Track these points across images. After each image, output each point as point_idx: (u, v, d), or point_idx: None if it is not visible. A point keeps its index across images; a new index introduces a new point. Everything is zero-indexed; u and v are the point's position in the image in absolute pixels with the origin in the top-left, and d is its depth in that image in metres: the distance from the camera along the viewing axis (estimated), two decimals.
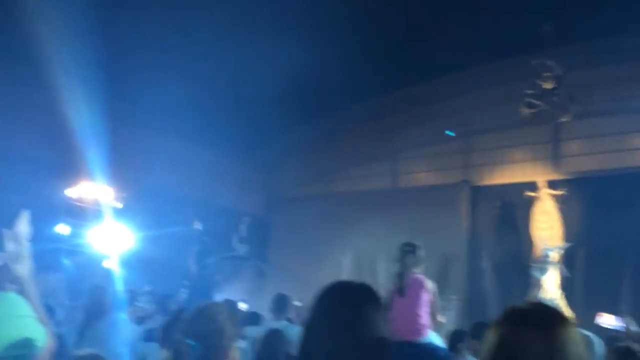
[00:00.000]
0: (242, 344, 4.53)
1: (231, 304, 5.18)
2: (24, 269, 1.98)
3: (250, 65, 11.56)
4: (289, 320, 6.63)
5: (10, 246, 1.95)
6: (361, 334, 1.55)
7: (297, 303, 8.43)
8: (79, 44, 9.91)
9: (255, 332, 5.60)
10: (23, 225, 2.01)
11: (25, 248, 2.00)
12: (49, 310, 2.70)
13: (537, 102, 11.39)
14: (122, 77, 11.36)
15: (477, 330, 4.68)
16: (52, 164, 11.59)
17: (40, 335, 1.68)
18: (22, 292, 1.99)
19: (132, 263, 10.59)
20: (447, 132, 13.71)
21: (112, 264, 9.50)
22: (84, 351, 2.58)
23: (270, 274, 13.35)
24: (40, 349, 1.67)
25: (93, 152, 10.81)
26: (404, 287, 5.34)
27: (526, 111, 11.55)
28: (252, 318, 6.73)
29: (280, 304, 6.71)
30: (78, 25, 9.66)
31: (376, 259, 12.75)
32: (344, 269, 13.04)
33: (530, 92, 11.49)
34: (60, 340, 4.30)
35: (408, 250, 5.39)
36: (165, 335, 3.52)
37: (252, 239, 13.58)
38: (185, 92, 11.74)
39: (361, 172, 15.22)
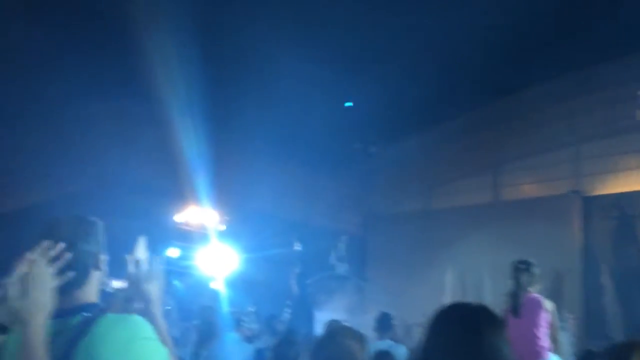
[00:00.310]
0: None
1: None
2: (155, 289, 2.02)
3: (343, 82, 11.68)
4: (393, 339, 6.50)
5: (131, 269, 2.01)
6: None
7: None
8: (187, 79, 10.59)
9: None
10: (142, 250, 2.08)
11: (159, 270, 2.05)
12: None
13: None
14: (224, 106, 11.92)
15: (615, 352, 4.28)
16: (163, 191, 12.35)
17: (163, 356, 1.70)
18: (145, 313, 2.05)
19: (237, 284, 10.96)
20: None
21: (219, 285, 9.87)
22: None
23: (369, 293, 13.23)
24: None
25: (199, 178, 11.41)
26: (519, 307, 5.06)
27: None
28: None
29: (384, 323, 6.59)
30: (184, 61, 10.33)
31: (480, 277, 12.25)
32: (446, 288, 12.63)
33: None
34: None
35: (522, 268, 5.11)
36: (277, 356, 3.58)
37: (351, 257, 13.56)
38: (281, 113, 12.07)
39: (460, 186, 14.76)
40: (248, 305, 9.97)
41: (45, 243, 1.50)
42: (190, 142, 11.59)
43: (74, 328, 1.56)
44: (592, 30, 10.49)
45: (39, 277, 1.44)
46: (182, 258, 11.40)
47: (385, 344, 5.83)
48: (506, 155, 14.21)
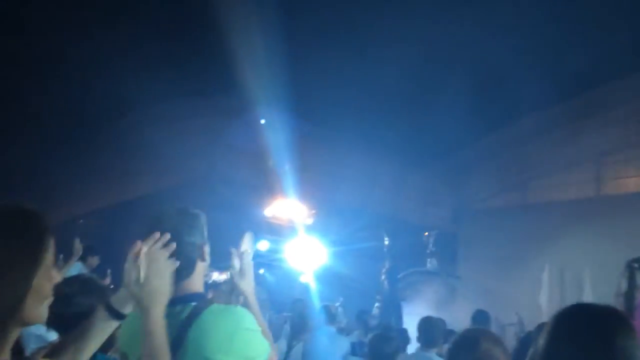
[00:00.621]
0: None
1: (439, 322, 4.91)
2: (247, 285, 2.08)
3: (433, 74, 11.37)
4: None
5: (236, 263, 2.05)
6: None
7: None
8: (275, 74, 10.75)
9: None
10: (247, 244, 2.11)
11: (249, 266, 2.09)
12: None
13: None
14: (310, 100, 11.97)
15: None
16: (252, 184, 12.63)
17: (265, 347, 1.74)
18: (245, 306, 2.07)
19: (325, 277, 10.98)
20: None
21: (308, 278, 9.93)
22: None
23: (460, 290, 12.81)
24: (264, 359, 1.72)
25: (287, 172, 11.54)
26: (633, 309, 4.62)
27: None
28: (450, 336, 6.38)
29: (481, 322, 6.30)
30: (273, 56, 10.49)
31: (580, 276, 11.51)
32: (543, 287, 11.97)
33: None
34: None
35: (637, 266, 4.66)
36: (373, 352, 3.46)
37: (440, 253, 13.20)
38: (369, 106, 11.95)
39: (558, 180, 13.90)
40: (336, 298, 9.98)
41: (157, 233, 1.52)
42: (279, 136, 11.76)
43: (183, 317, 1.60)
44: None
45: (158, 265, 1.47)
46: (271, 251, 11.61)
47: None
48: (609, 146, 13.21)
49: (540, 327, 4.40)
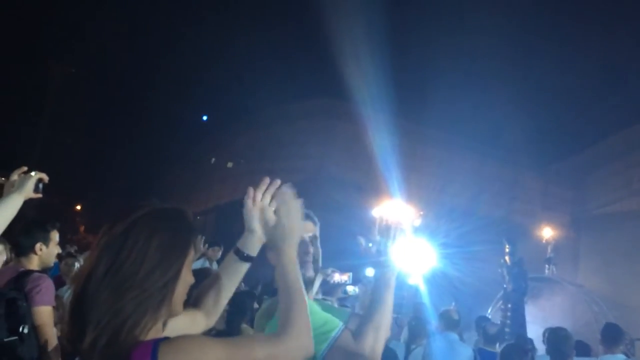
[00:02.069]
0: None
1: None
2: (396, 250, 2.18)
3: (551, 73, 10.78)
4: (626, 355, 5.71)
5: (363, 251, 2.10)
6: None
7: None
8: (379, 74, 10.73)
9: None
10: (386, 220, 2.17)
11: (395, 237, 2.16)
12: None
13: None
14: (419, 101, 11.82)
15: None
16: (360, 186, 12.68)
17: (317, 329, 1.72)
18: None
19: (434, 280, 10.73)
20: None
21: (418, 281, 9.77)
22: None
23: (581, 299, 11.97)
24: (320, 341, 1.75)
25: (394, 173, 11.46)
26: None
27: None
28: (580, 348, 5.99)
29: (614, 335, 5.79)
30: (376, 56, 10.48)
31: None
32: None
33: None
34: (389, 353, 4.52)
35: None
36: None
37: (560, 260, 12.43)
38: (480, 106, 11.57)
39: None
40: (447, 302, 9.72)
41: (266, 179, 1.57)
42: (386, 137, 11.71)
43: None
44: None
45: (286, 206, 1.54)
46: (378, 252, 11.52)
47: (617, 359, 5.13)
48: None
49: None
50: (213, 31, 10.96)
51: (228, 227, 14.29)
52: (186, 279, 1.27)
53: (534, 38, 10.79)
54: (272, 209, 1.54)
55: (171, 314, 1.27)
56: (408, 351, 4.89)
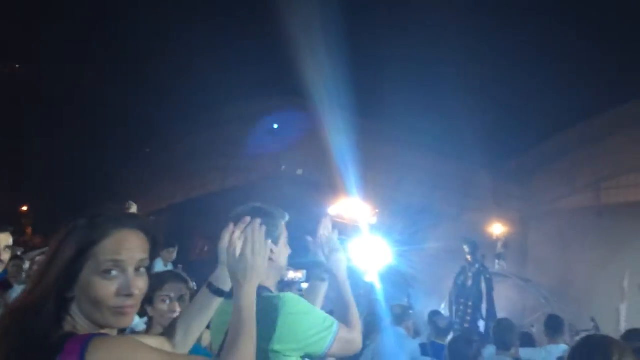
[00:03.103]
0: None
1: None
2: (339, 259, 2.19)
3: (500, 71, 11.10)
4: (569, 345, 5.94)
5: (313, 250, 2.12)
6: None
7: None
8: (336, 72, 10.80)
9: (530, 354, 5.15)
10: (327, 228, 2.09)
11: (336, 244, 2.19)
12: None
13: None
14: (374, 99, 11.95)
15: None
16: (316, 183, 12.74)
17: (310, 327, 1.79)
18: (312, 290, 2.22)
19: (389, 277, 10.89)
20: None
21: (373, 278, 9.87)
22: None
23: (530, 292, 12.40)
24: (322, 340, 1.78)
25: (351, 171, 11.55)
26: None
27: None
28: (525, 339, 6.23)
29: (555, 326, 6.04)
30: (334, 54, 10.55)
31: None
32: (624, 294, 11.39)
33: None
34: None
35: None
36: (454, 354, 3.42)
37: (509, 255, 12.84)
38: (434, 106, 11.81)
39: (635, 180, 13.23)
40: (401, 298, 9.89)
41: (247, 218, 1.57)
42: (342, 135, 11.79)
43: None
44: None
45: (254, 244, 1.54)
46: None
47: (560, 349, 5.35)
48: None
49: (630, 334, 4.20)
50: (166, 28, 10.77)
51: (182, 227, 14.13)
52: (96, 286, 1.25)
53: (486, 38, 11.09)
54: (239, 244, 1.55)
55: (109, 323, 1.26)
56: (363, 347, 4.95)
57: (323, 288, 2.06)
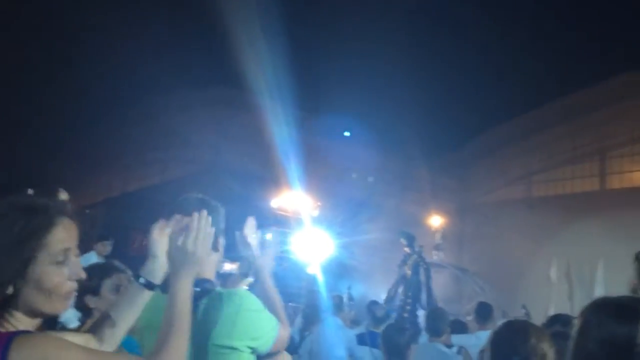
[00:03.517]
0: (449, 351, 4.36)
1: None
2: (266, 261, 2.13)
3: (437, 67, 11.37)
4: None
5: (241, 246, 2.11)
6: None
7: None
8: (278, 65, 10.75)
9: (462, 340, 5.34)
10: (251, 228, 2.12)
11: (266, 244, 2.13)
12: None
13: None
14: (317, 93, 11.98)
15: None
16: (259, 177, 12.65)
17: (271, 325, 1.80)
18: (255, 287, 2.17)
19: (331, 269, 10.99)
20: None
21: (315, 269, 9.94)
22: None
23: (466, 282, 12.86)
24: (270, 338, 1.78)
25: (292, 164, 11.55)
26: None
27: None
28: (457, 326, 6.46)
29: (485, 313, 6.30)
30: (275, 47, 10.49)
31: (588, 269, 11.56)
32: (552, 279, 12.01)
33: None
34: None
35: None
36: (386, 343, 3.49)
37: (447, 246, 13.24)
38: (375, 100, 11.97)
39: (563, 174, 13.93)
40: (343, 290, 10.01)
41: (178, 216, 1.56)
42: (284, 128, 11.77)
43: None
44: None
45: (198, 236, 1.52)
46: (277, 242, 11.58)
47: (487, 334, 5.53)
48: (614, 140, 13.22)
49: (553, 319, 4.43)
50: (95, 16, 10.37)
51: (119, 221, 13.70)
52: (52, 274, 1.22)
53: (424, 36, 11.33)
54: (178, 239, 1.52)
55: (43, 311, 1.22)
56: (302, 338, 4.99)
57: (245, 283, 2.03)
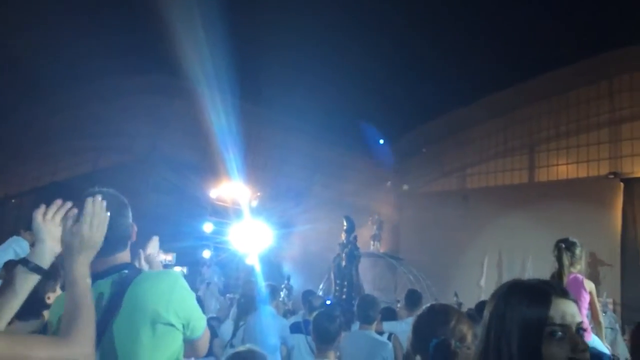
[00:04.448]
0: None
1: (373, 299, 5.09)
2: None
3: (374, 63, 11.51)
4: None
5: (144, 265, 2.10)
6: None
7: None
8: (216, 53, 10.56)
9: (392, 327, 5.48)
10: (153, 248, 2.13)
11: (158, 268, 2.13)
12: (200, 302, 2.84)
13: None
14: (256, 82, 11.86)
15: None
16: (197, 167, 12.40)
17: (201, 315, 1.78)
18: None
19: (270, 259, 11.00)
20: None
21: (252, 260, 9.91)
22: (242, 348, 2.65)
23: (401, 271, 13.16)
24: (202, 326, 1.77)
25: (231, 154, 11.42)
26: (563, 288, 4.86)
27: None
28: (388, 313, 6.61)
29: (414, 300, 6.47)
30: (214, 35, 10.29)
31: (517, 259, 12.11)
32: (483, 269, 12.48)
33: None
34: (212, 330, 4.54)
35: (564, 247, 4.89)
36: (317, 330, 3.52)
37: (384, 236, 13.48)
38: (314, 91, 11.97)
39: (494, 167, 14.48)
40: (280, 280, 10.03)
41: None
42: (223, 118, 11.59)
43: (115, 283, 1.67)
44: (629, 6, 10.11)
45: (96, 218, 1.53)
46: (216, 233, 11.47)
47: None
48: (541, 135, 13.87)
49: (479, 306, 4.61)
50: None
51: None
52: None
53: (363, 30, 11.42)
54: (60, 227, 1.52)
55: None
56: (236, 328, 4.96)
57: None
